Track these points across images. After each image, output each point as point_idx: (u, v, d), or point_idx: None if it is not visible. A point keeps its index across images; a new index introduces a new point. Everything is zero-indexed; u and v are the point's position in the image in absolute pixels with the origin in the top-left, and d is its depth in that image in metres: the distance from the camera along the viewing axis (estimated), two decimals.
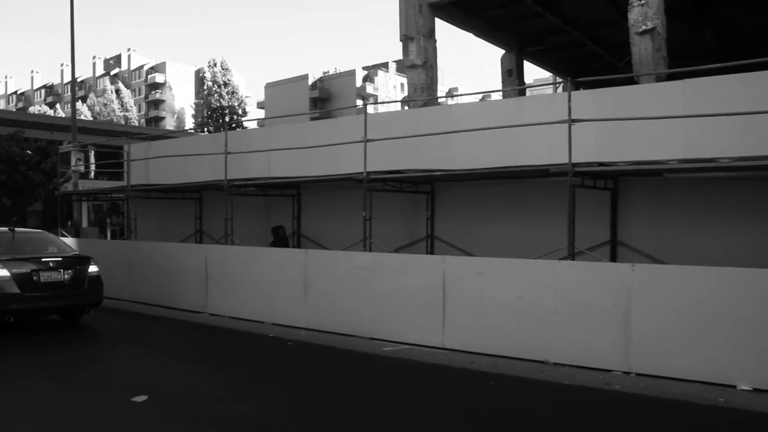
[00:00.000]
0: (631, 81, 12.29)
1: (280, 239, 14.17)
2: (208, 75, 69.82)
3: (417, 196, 13.30)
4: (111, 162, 29.69)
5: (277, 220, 15.63)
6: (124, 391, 7.67)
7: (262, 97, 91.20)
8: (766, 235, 9.79)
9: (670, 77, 11.43)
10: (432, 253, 12.96)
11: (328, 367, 9.39)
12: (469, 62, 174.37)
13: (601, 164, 9.91)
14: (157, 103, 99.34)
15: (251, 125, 57.62)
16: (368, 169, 11.89)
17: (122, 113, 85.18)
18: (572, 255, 9.74)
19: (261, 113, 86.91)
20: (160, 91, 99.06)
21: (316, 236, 15.10)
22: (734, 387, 7.82)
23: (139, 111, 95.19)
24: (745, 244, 9.92)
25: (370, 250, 11.97)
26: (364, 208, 12.00)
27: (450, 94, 72.75)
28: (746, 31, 19.75)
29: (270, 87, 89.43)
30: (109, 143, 28.49)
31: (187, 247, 15.27)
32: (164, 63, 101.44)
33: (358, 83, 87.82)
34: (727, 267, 8.28)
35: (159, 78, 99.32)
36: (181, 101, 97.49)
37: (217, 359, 9.87)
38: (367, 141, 11.83)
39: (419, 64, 17.38)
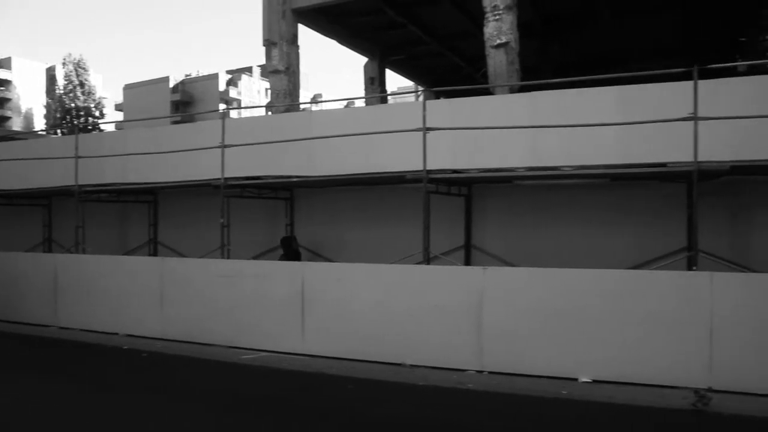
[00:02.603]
0: (487, 92, 12.81)
1: (293, 252, 12.49)
2: (61, 73, 65.71)
3: (277, 203, 13.20)
4: None
5: (132, 226, 15.02)
6: None
7: (120, 99, 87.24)
8: (608, 237, 10.53)
9: (522, 89, 12.03)
10: None
11: (184, 377, 9.13)
12: (335, 68, 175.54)
13: (454, 171, 10.29)
14: (1, 102, 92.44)
15: (109, 128, 55.02)
16: (228, 175, 11.70)
17: None
18: (428, 259, 10.03)
19: (119, 115, 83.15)
20: (4, 88, 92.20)
21: (174, 244, 14.61)
22: (576, 380, 8.36)
23: None
24: (589, 246, 10.61)
25: (229, 258, 11.76)
26: (222, 214, 11.79)
27: (314, 100, 72.75)
28: (589, 49, 21.13)
29: (129, 88, 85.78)
30: None
31: (34, 257, 14.34)
32: (9, 58, 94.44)
33: (222, 87, 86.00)
34: (572, 268, 8.85)
35: (3, 74, 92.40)
36: (30, 100, 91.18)
37: (67, 373, 9.35)
38: (225, 146, 11.64)
39: (282, 69, 17.24)
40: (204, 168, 12.58)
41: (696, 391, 7.53)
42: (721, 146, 9.05)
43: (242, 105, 79.56)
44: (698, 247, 8.90)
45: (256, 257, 12.73)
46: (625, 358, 8.31)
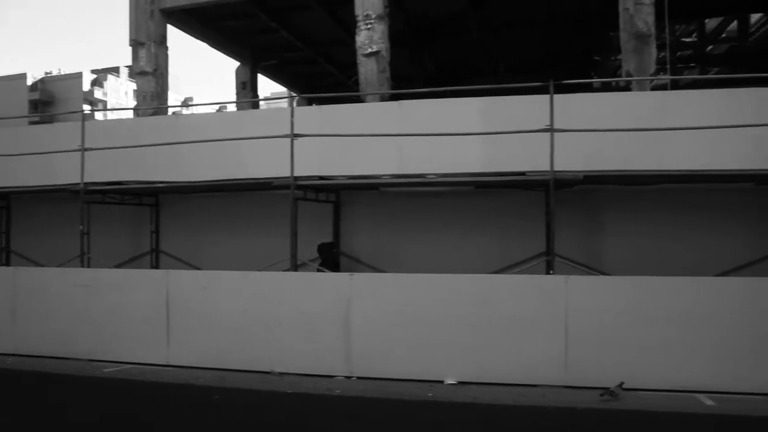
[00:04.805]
0: (359, 99, 12.94)
1: (331, 261, 11.47)
2: None
3: (141, 209, 12.72)
4: None
5: None
6: None
7: None
8: (472, 243, 10.90)
9: (393, 98, 12.25)
10: (157, 267, 12.48)
11: (36, 394, 8.57)
12: (209, 72, 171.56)
13: (322, 178, 10.32)
14: None
15: None
16: (88, 180, 11.18)
17: None
18: (295, 266, 10.00)
19: None
20: None
21: (29, 252, 13.72)
22: (442, 382, 8.58)
23: None
24: (454, 251, 10.95)
25: (89, 266, 11.21)
26: (81, 221, 11.24)
27: (184, 103, 70.82)
28: (459, 60, 21.80)
29: None
30: None
31: None
32: None
33: (86, 87, 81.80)
34: (437, 273, 9.11)
35: None
36: None
37: None
38: (85, 150, 11.10)
39: (149, 71, 16.61)
40: (62, 172, 11.94)
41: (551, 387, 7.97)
42: (575, 157, 9.58)
43: (108, 107, 76.09)
44: (555, 252, 9.39)
45: (118, 266, 12.20)
46: (488, 360, 8.64)
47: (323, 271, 10.37)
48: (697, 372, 8.16)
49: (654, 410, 7.42)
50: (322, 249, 11.38)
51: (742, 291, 8.38)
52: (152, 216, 12.78)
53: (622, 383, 7.90)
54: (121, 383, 9.00)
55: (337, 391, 8.36)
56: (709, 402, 7.73)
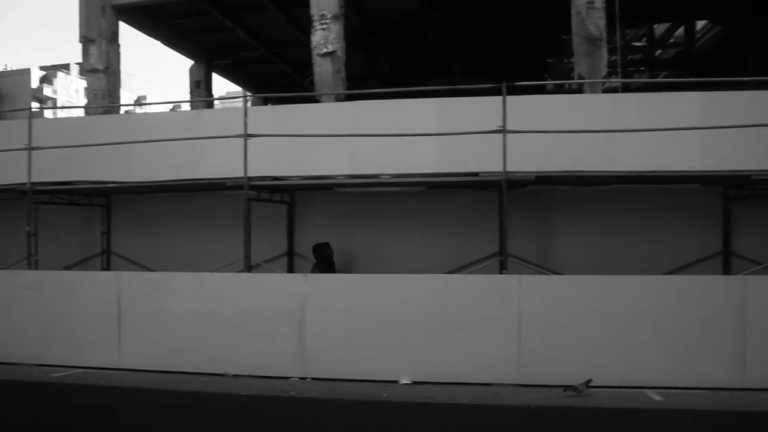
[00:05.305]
0: (314, 99, 12.91)
1: (327, 261, 10.97)
2: None
3: (92, 210, 12.45)
4: None
5: None
6: None
7: None
8: (427, 243, 10.96)
9: (348, 98, 12.23)
10: (108, 269, 12.23)
11: None
12: (163, 71, 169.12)
13: (275, 178, 10.26)
14: None
15: None
16: (36, 180, 10.90)
17: None
18: (249, 267, 9.93)
19: None
20: None
21: None
22: (397, 382, 8.61)
23: None
24: (409, 251, 10.99)
25: (37, 268, 10.94)
26: (28, 222, 10.96)
27: (138, 102, 69.68)
28: (415, 61, 21.91)
29: None
30: None
31: None
32: None
33: (35, 84, 79.76)
34: (391, 274, 9.16)
35: None
36: None
37: None
38: (32, 149, 10.84)
39: (100, 68, 16.28)
40: (9, 171, 11.60)
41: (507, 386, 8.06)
42: (528, 158, 9.70)
43: (58, 104, 74.38)
44: (508, 252, 9.50)
45: (68, 268, 11.92)
46: (443, 359, 8.72)
47: (317, 272, 10.32)
48: (647, 368, 8.37)
49: (603, 407, 7.59)
50: (317, 249, 10.97)
51: (689, 288, 8.63)
52: (103, 217, 12.52)
53: (590, 380, 8.03)
54: (69, 388, 8.80)
55: (292, 393, 8.33)
56: (657, 397, 7.93)
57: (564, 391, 7.97)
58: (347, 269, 10.99)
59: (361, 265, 10.81)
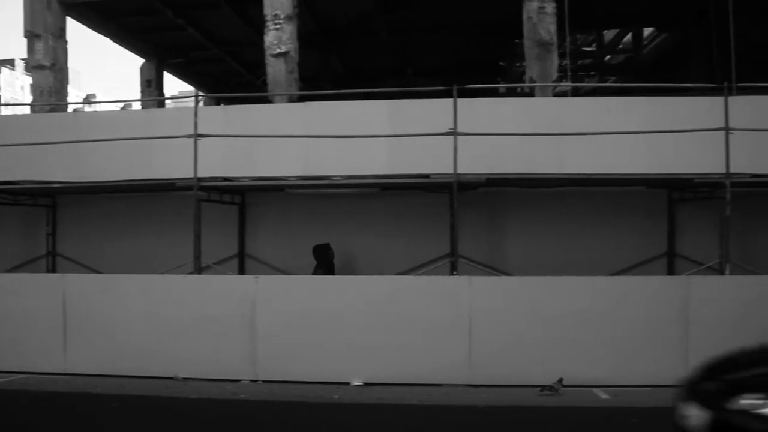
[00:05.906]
0: (267, 100, 12.82)
1: (328, 263, 10.53)
2: None
3: (37, 210, 12.14)
4: None
5: None
6: None
7: None
8: (379, 245, 10.96)
9: (301, 99, 12.17)
10: (54, 271, 11.93)
11: None
12: (113, 69, 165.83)
13: (226, 179, 10.17)
14: None
15: None
16: None
17: None
18: (199, 269, 9.82)
19: None
20: None
21: None
22: (348, 384, 8.62)
23: None
24: (361, 253, 10.99)
25: None
26: None
27: (87, 100, 68.19)
28: (369, 62, 21.95)
29: None
30: None
31: None
32: None
33: None
34: (342, 276, 9.17)
35: None
36: None
37: None
38: None
39: (47, 65, 15.89)
40: None
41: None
42: (479, 160, 9.79)
43: (2, 101, 72.29)
44: (459, 253, 9.58)
45: (11, 270, 11.59)
46: (393, 360, 8.76)
47: (318, 274, 10.22)
48: (595, 367, 8.53)
49: (551, 405, 7.72)
50: (317, 251, 10.55)
51: (635, 289, 8.85)
52: (48, 217, 12.21)
53: (561, 379, 8.14)
54: (11, 394, 8.54)
55: (242, 395, 8.27)
56: (604, 396, 8.10)
57: (540, 390, 8.09)
58: (348, 270, 10.95)
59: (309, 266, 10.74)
